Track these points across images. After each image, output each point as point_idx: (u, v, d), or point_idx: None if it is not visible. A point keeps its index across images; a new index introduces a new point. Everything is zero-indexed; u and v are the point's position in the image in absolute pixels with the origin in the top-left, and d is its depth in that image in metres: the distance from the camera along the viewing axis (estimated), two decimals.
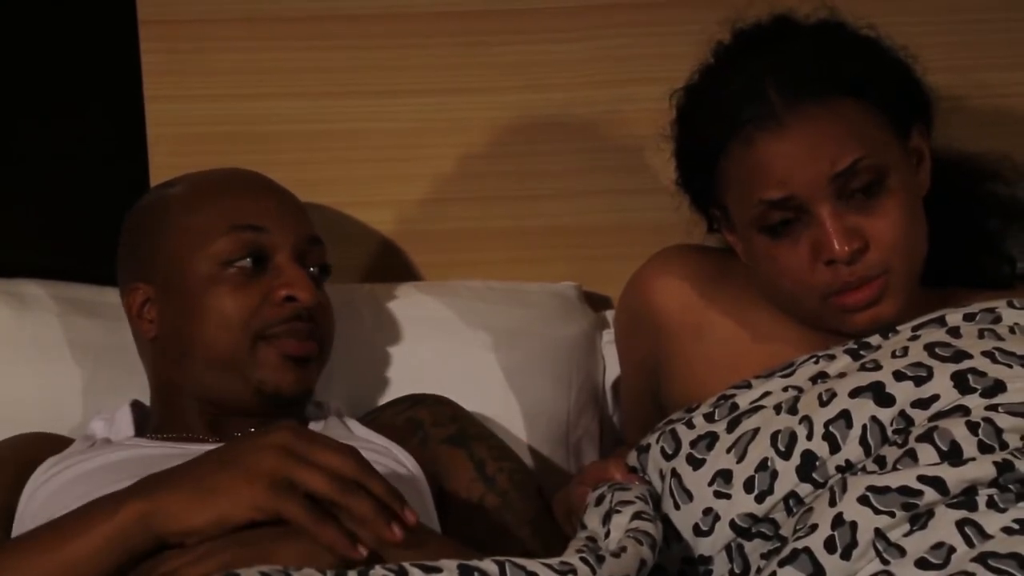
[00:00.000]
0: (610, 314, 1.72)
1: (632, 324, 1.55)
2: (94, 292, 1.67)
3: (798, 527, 1.20)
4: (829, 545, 1.16)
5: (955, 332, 1.29)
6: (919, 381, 1.24)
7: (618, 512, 1.24)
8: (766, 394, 1.31)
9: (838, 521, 1.17)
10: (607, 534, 1.22)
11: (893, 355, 1.28)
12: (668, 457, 1.32)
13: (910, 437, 1.21)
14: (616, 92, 1.78)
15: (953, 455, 1.18)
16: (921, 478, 1.16)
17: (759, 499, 1.25)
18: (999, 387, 1.22)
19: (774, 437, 1.26)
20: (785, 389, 1.31)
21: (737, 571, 1.26)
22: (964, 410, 1.21)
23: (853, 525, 1.16)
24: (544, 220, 1.80)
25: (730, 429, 1.29)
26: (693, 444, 1.30)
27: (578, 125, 1.80)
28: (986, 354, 1.24)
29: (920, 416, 1.22)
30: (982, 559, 1.11)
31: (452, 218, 1.80)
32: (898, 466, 1.19)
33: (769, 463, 1.25)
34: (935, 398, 1.23)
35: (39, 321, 1.63)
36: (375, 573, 1.07)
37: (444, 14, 1.78)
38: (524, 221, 1.80)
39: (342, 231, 1.76)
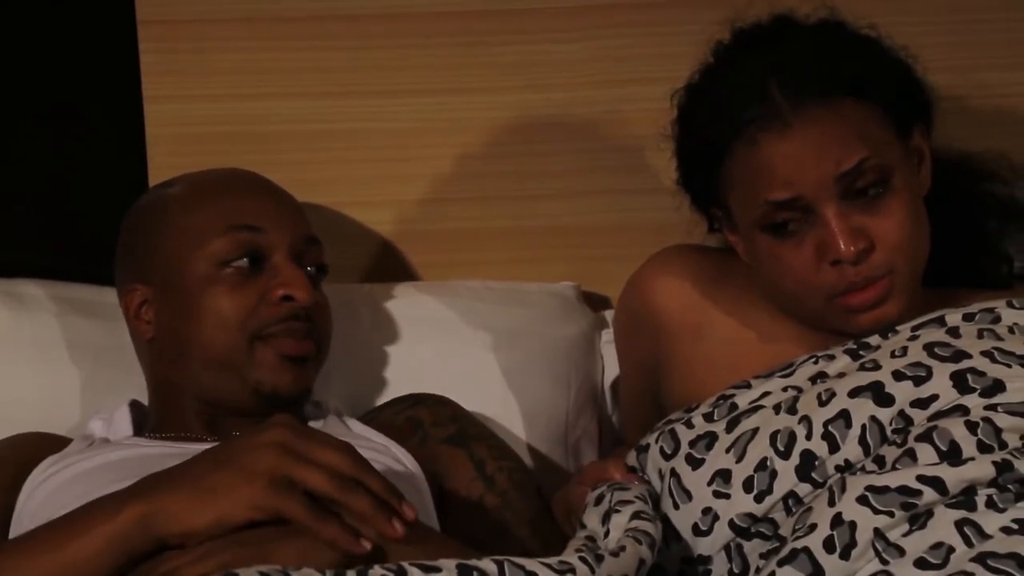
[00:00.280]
0: (609, 314, 1.72)
1: (632, 324, 1.55)
2: (93, 292, 1.67)
3: (797, 527, 1.20)
4: (828, 545, 1.16)
5: (954, 332, 1.29)
6: (918, 381, 1.24)
7: (617, 512, 1.24)
8: (765, 394, 1.31)
9: (837, 521, 1.16)
10: (606, 534, 1.22)
11: (892, 355, 1.27)
12: (667, 457, 1.32)
13: (909, 437, 1.21)
14: (616, 92, 1.78)
15: (952, 455, 1.18)
16: (920, 478, 1.16)
17: (758, 499, 1.25)
18: (998, 387, 1.22)
19: (773, 437, 1.26)
20: (784, 389, 1.31)
21: (736, 571, 1.26)
22: (963, 410, 1.21)
23: (852, 525, 1.16)
24: (544, 220, 1.80)
25: (729, 429, 1.29)
26: (692, 444, 1.30)
27: (578, 125, 1.79)
28: (985, 354, 1.24)
29: (919, 416, 1.22)
30: (981, 559, 1.10)
31: (452, 218, 1.80)
32: (897, 466, 1.19)
33: (768, 463, 1.25)
34: (934, 398, 1.22)
35: (38, 321, 1.62)
36: (374, 573, 1.06)
37: (444, 14, 1.78)
38: (524, 221, 1.80)
39: (341, 231, 1.76)
